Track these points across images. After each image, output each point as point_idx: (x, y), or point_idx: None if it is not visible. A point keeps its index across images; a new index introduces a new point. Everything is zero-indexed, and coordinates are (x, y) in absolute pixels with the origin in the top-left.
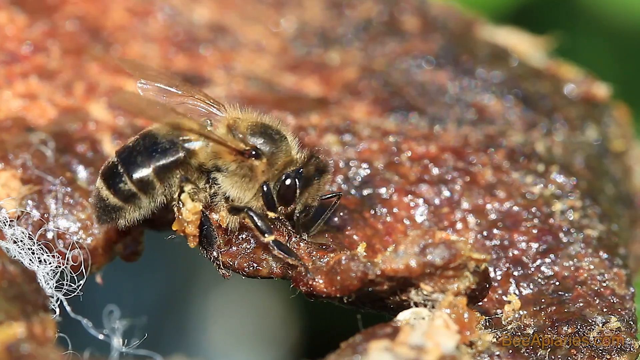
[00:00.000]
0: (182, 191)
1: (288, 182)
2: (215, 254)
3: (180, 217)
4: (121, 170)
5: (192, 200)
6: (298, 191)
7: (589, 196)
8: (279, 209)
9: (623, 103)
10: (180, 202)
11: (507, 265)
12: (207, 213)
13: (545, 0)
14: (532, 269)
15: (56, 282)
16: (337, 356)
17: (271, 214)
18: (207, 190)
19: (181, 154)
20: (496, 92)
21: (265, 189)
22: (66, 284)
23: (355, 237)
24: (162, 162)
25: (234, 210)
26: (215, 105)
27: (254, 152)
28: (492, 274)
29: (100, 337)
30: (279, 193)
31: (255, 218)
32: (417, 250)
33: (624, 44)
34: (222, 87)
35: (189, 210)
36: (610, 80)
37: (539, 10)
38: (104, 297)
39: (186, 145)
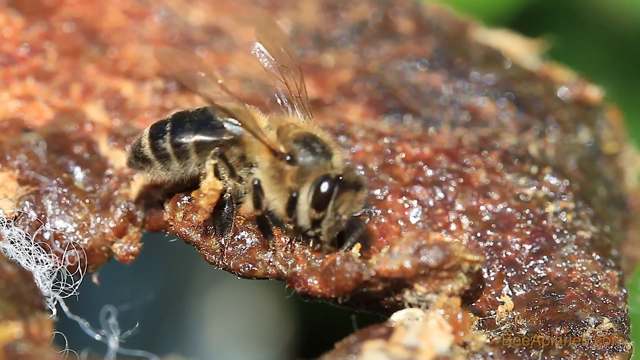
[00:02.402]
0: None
1: (324, 186)
2: (223, 241)
3: (199, 187)
4: (167, 128)
5: (216, 175)
6: (333, 198)
7: (582, 198)
8: (311, 214)
9: (620, 104)
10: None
11: (501, 266)
12: (232, 200)
13: (542, 2)
14: (526, 270)
15: (53, 283)
16: (332, 356)
17: (286, 219)
18: (244, 181)
19: (224, 137)
20: (490, 94)
21: (292, 196)
22: (63, 284)
23: None
24: (206, 137)
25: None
26: (294, 106)
27: (287, 157)
28: (485, 275)
29: (97, 337)
30: (314, 196)
31: (258, 193)
32: (412, 251)
33: (621, 46)
34: (217, 89)
35: (208, 183)
36: (607, 82)
37: (536, 12)
38: (101, 298)
39: (234, 130)
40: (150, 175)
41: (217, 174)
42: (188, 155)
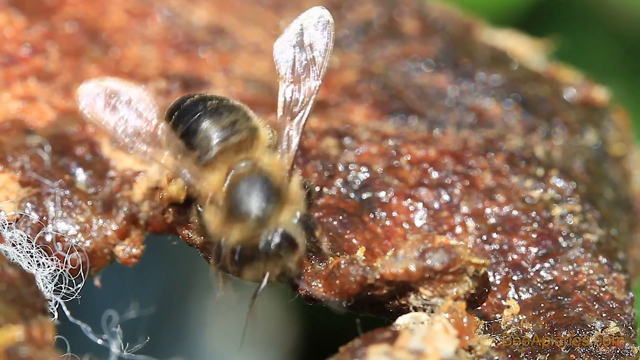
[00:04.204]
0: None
1: (234, 254)
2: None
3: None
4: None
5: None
6: (237, 267)
7: (588, 200)
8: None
9: (629, 105)
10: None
11: (506, 269)
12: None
13: (550, 2)
14: (532, 274)
15: (54, 286)
16: None
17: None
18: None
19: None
20: (496, 95)
21: (216, 249)
22: (64, 287)
23: (354, 241)
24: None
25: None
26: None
27: (215, 204)
28: (491, 279)
29: (99, 341)
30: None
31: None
32: (417, 254)
33: (630, 45)
34: (221, 90)
35: (170, 189)
36: (617, 82)
37: (544, 11)
38: (102, 301)
39: None
40: None
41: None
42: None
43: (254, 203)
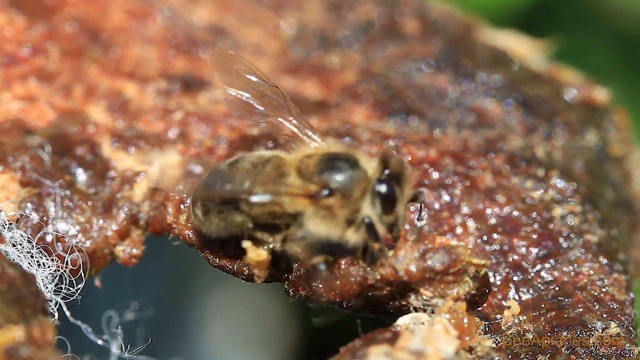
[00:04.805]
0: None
1: (383, 190)
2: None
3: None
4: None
5: (256, 248)
6: (397, 194)
7: (589, 201)
8: (387, 220)
9: (629, 106)
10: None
11: (507, 270)
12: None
13: (551, 2)
14: (532, 274)
15: (55, 286)
16: None
17: (377, 245)
18: (292, 225)
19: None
20: (496, 96)
21: (367, 221)
22: (65, 287)
23: None
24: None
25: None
26: (305, 130)
27: (324, 192)
28: (491, 279)
29: (100, 342)
30: (383, 205)
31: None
32: (417, 255)
33: (631, 46)
34: (221, 90)
35: (250, 259)
36: (617, 83)
37: (545, 11)
38: (103, 301)
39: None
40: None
41: (256, 241)
42: (212, 219)
43: (348, 157)
